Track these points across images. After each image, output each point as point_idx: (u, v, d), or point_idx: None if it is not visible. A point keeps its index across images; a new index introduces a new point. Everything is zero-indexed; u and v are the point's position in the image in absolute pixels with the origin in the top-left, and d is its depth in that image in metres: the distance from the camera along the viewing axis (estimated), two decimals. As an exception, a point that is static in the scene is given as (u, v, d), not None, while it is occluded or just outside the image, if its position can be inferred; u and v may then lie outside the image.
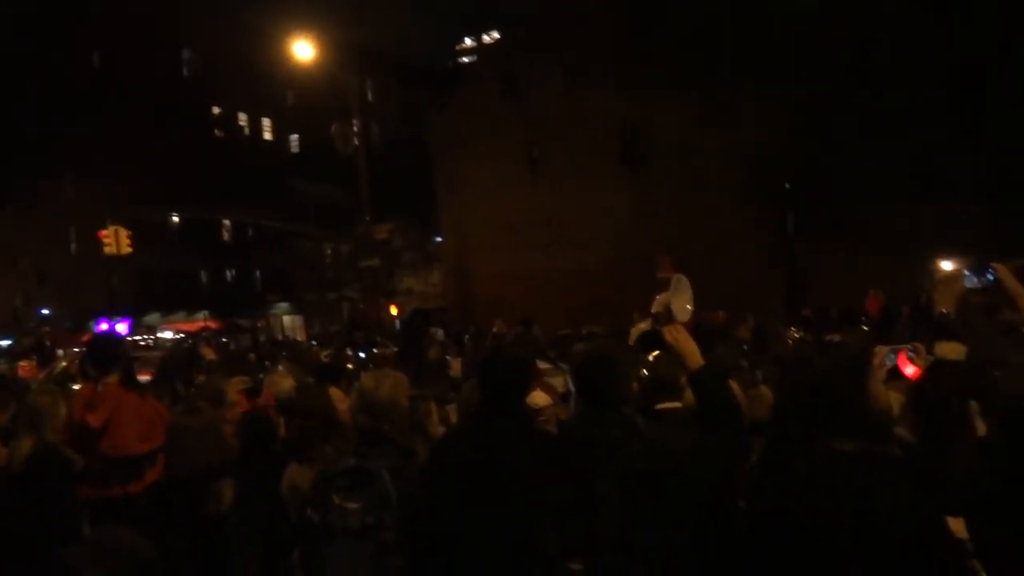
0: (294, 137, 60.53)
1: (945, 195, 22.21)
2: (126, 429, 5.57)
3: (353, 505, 3.83)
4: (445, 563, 3.80)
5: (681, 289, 7.35)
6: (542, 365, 6.81)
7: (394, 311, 35.88)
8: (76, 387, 10.19)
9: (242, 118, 58.15)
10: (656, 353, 4.52)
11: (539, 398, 5.11)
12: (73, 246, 51.80)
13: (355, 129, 32.03)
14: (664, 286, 8.64)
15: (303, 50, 31.17)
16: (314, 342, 32.73)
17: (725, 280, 19.00)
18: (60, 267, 51.25)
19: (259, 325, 51.19)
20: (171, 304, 49.65)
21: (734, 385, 4.14)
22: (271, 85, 53.95)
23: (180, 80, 53.13)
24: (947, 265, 24.62)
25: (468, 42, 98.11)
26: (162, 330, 46.38)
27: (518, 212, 30.48)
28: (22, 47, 48.20)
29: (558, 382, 7.11)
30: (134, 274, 47.21)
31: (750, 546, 3.14)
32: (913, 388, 4.53)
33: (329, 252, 51.46)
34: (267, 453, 5.30)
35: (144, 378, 8.86)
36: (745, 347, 10.22)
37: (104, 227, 30.32)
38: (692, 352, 3.85)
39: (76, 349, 36.08)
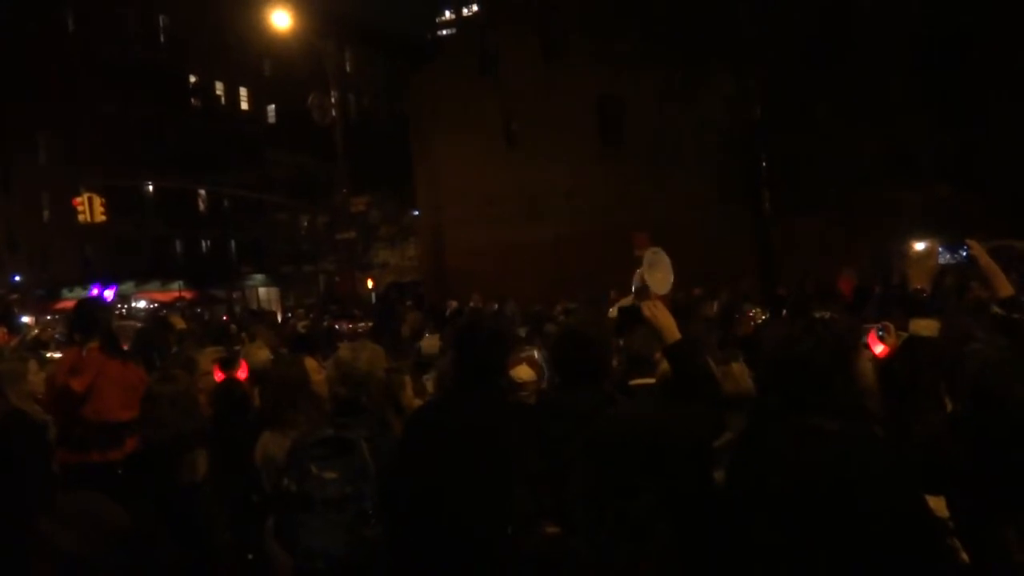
0: (271, 107, 60.04)
1: (918, 176, 22.36)
2: (108, 395, 5.57)
3: (331, 474, 3.85)
4: (423, 529, 3.83)
5: (656, 263, 7.34)
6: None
7: (370, 284, 35.80)
8: (49, 354, 10.16)
9: (219, 87, 57.60)
10: (632, 329, 4.54)
11: (523, 372, 5.14)
12: (46, 213, 51.37)
13: (333, 100, 31.84)
14: (642, 262, 8.65)
15: (281, 19, 30.88)
16: (290, 315, 32.72)
17: (700, 257, 19.06)
18: (32, 234, 50.87)
19: (234, 296, 51.02)
20: (145, 274, 49.33)
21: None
22: (249, 54, 53.45)
23: (157, 47, 52.54)
24: (920, 244, 24.82)
25: (448, 15, 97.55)
26: (136, 299, 46.10)
27: (495, 186, 30.45)
28: (-6, 11, 47.59)
29: (533, 352, 7.12)
30: (108, 243, 46.90)
31: (726, 518, 3.19)
32: (882, 366, 4.59)
33: (305, 224, 51.27)
34: (241, 423, 5.31)
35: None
36: (710, 324, 10.26)
37: (78, 194, 29.99)
38: (670, 327, 3.88)
39: (48, 317, 35.96)
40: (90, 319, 5.88)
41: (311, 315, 21.08)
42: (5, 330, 16.30)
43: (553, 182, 28.82)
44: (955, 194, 21.61)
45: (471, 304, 20.15)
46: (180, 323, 8.42)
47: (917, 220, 23.40)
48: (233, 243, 56.50)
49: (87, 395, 5.55)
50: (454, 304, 19.07)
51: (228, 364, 5.84)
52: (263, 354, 6.36)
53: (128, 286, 47.84)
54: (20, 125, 49.03)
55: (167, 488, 4.20)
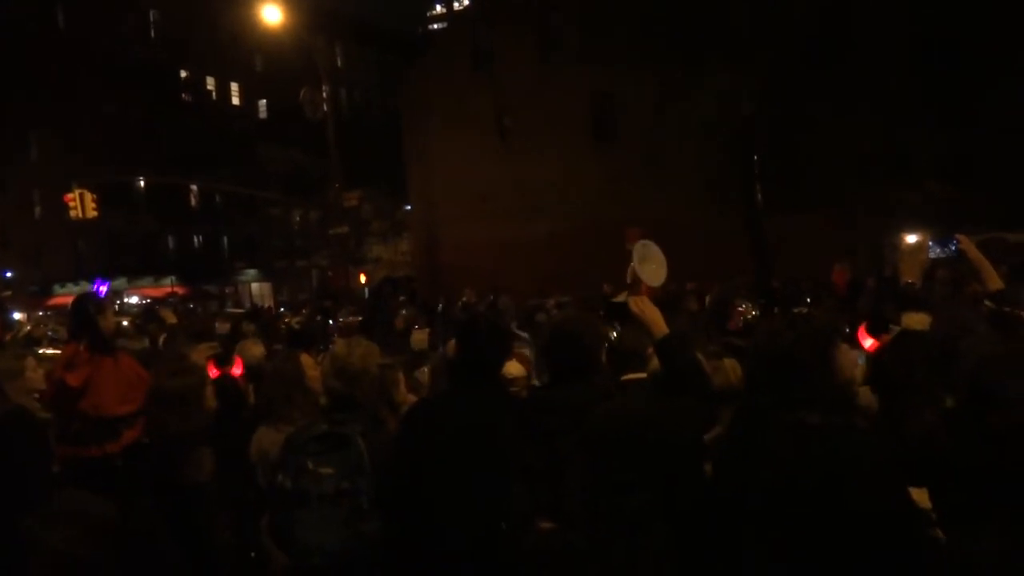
0: (262, 102, 59.92)
1: (913, 173, 22.42)
2: (105, 390, 5.58)
3: (327, 470, 3.85)
4: (420, 524, 3.85)
5: (647, 255, 7.33)
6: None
7: (363, 279, 35.76)
8: (42, 351, 10.14)
9: (210, 82, 57.47)
10: (624, 325, 4.57)
11: (513, 368, 5.16)
12: (37, 209, 51.24)
13: (324, 95, 31.78)
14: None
15: (272, 14, 30.80)
16: (282, 309, 32.67)
17: (694, 253, 19.06)
18: (25, 230, 50.74)
19: (227, 292, 50.95)
20: (138, 269, 49.25)
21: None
22: (240, 49, 53.33)
23: (148, 43, 52.39)
24: (912, 238, 24.90)
25: (439, 8, 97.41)
26: (129, 295, 46.02)
27: (488, 181, 30.43)
28: (-15, 6, 47.38)
29: (525, 350, 7.15)
30: (100, 239, 46.81)
31: (716, 513, 3.21)
32: (873, 361, 4.61)
33: (298, 219, 51.18)
34: (237, 420, 5.31)
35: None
36: (694, 318, 10.27)
37: (70, 190, 29.92)
38: (657, 321, 3.90)
39: (40, 313, 35.87)
40: (81, 316, 5.91)
41: (304, 310, 21.09)
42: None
43: (546, 177, 28.80)
44: (950, 191, 21.67)
45: (464, 299, 20.16)
46: (171, 317, 8.42)
47: (912, 217, 23.51)
48: (225, 239, 56.41)
49: (84, 390, 5.56)
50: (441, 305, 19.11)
51: (223, 360, 5.85)
52: (257, 350, 6.37)
53: (120, 282, 47.75)
54: (12, 122, 48.85)
55: (172, 486, 4.20)
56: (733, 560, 3.08)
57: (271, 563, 4.26)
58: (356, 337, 5.09)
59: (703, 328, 7.77)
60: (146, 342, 9.41)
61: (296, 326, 8.05)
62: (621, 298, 7.03)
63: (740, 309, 8.65)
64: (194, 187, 48.76)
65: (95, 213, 29.76)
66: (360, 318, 17.54)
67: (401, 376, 5.16)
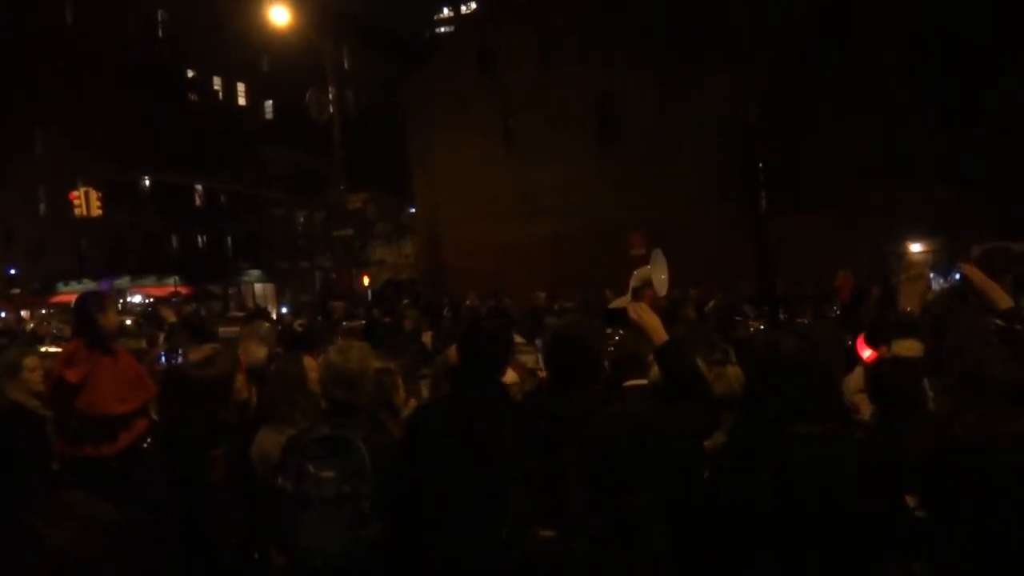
0: (268, 103, 59.94)
1: (915, 177, 22.42)
2: (103, 388, 5.55)
3: (328, 474, 3.85)
4: (420, 529, 3.85)
5: (660, 262, 7.36)
6: (516, 339, 6.85)
7: (366, 281, 35.77)
8: (44, 349, 10.13)
9: (216, 82, 57.49)
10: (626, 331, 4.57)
11: (507, 375, 5.15)
12: (42, 206, 51.32)
13: (331, 97, 31.79)
14: (637, 262, 8.67)
15: (279, 14, 30.81)
16: (284, 309, 32.64)
17: (697, 257, 19.08)
18: (29, 228, 50.78)
19: (230, 292, 50.94)
20: (141, 268, 49.27)
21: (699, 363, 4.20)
22: (246, 49, 53.36)
23: (154, 41, 52.45)
24: (917, 247, 24.90)
25: (446, 12, 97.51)
26: (132, 294, 46.04)
27: (492, 183, 30.46)
28: (-8, 3, 47.46)
29: (530, 359, 7.15)
30: (104, 237, 46.85)
31: (715, 520, 3.21)
32: (870, 373, 4.63)
33: (302, 220, 51.18)
34: (240, 422, 5.31)
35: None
36: (693, 326, 10.24)
37: (75, 188, 29.99)
38: (656, 328, 3.91)
39: (43, 311, 35.91)
40: (82, 314, 5.89)
41: (306, 313, 21.05)
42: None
43: (551, 180, 28.85)
44: (952, 194, 21.66)
45: (467, 303, 20.15)
46: (171, 316, 8.38)
47: (915, 220, 23.52)
48: (229, 239, 56.41)
49: (82, 387, 5.54)
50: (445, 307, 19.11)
51: None
52: (260, 351, 6.36)
53: (124, 281, 47.79)
54: (18, 118, 48.92)
55: (185, 485, 4.20)
56: (732, 568, 3.08)
57: (273, 565, 4.26)
58: (349, 340, 5.08)
59: (704, 336, 7.77)
60: (143, 343, 9.38)
61: (299, 328, 8.03)
62: (619, 303, 7.04)
63: (750, 321, 8.68)
64: (199, 187, 48.84)
65: (100, 211, 29.85)
66: (363, 321, 17.51)
67: (400, 380, 5.16)
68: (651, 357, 4.22)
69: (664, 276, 7.40)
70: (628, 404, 4.15)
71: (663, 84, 24.25)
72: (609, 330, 4.65)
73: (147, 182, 45.66)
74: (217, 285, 50.22)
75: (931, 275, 5.85)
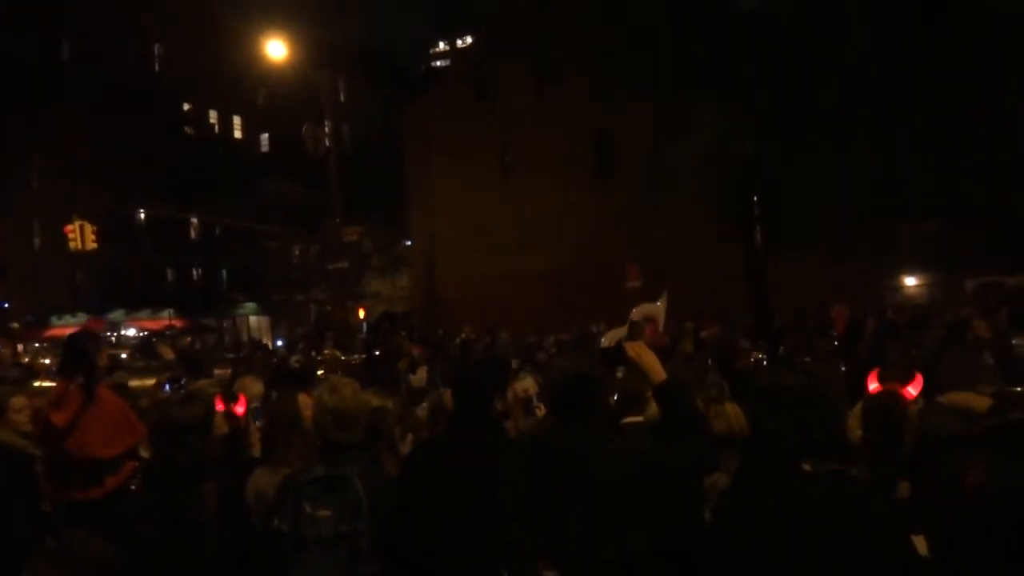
0: (264, 136, 60.18)
1: (908, 211, 22.50)
2: (90, 431, 5.50)
3: (325, 513, 3.82)
4: (420, 568, 3.82)
5: (664, 304, 7.45)
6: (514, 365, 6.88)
7: (361, 314, 35.74)
8: (37, 383, 10.07)
9: (213, 115, 57.74)
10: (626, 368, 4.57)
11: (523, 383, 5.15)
12: (37, 240, 51.26)
13: (326, 130, 31.87)
14: (634, 295, 8.70)
15: (276, 49, 30.95)
16: (279, 342, 32.55)
17: (693, 290, 19.11)
18: (23, 260, 50.67)
19: (225, 325, 50.85)
20: (136, 301, 49.17)
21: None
22: (243, 83, 53.64)
23: (151, 75, 52.69)
24: (911, 280, 24.94)
25: (442, 46, 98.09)
26: (126, 327, 45.91)
27: (489, 216, 30.55)
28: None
29: (528, 383, 7.11)
30: (99, 270, 46.79)
31: (716, 558, 3.19)
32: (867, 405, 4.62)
33: (297, 253, 51.23)
34: (237, 458, 5.28)
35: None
36: (690, 361, 10.22)
37: (70, 222, 29.96)
38: (654, 367, 3.91)
39: (37, 344, 35.77)
40: (80, 354, 5.82)
41: (301, 347, 21.01)
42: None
43: (547, 213, 28.93)
44: (946, 228, 21.73)
45: (463, 336, 20.12)
46: (168, 353, 8.35)
47: (909, 254, 23.57)
48: (225, 271, 56.40)
49: (68, 430, 5.48)
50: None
51: (229, 397, 5.82)
52: (256, 388, 6.33)
53: (118, 314, 47.68)
54: (13, 151, 48.98)
55: (174, 523, 4.16)
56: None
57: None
58: (337, 377, 5.06)
59: (701, 371, 7.77)
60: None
61: (295, 364, 7.99)
62: (613, 335, 7.07)
63: (750, 355, 8.67)
64: (194, 220, 48.86)
65: (95, 245, 29.79)
66: (363, 356, 17.47)
67: (395, 418, 5.14)
68: (649, 394, 4.22)
69: (663, 317, 7.45)
70: (627, 441, 4.14)
71: (659, 118, 24.37)
72: (609, 370, 4.67)
73: (142, 215, 45.63)
74: (212, 318, 50.12)
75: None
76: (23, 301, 49.49)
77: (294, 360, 9.29)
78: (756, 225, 24.22)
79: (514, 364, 9.85)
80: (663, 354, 4.08)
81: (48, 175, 50.03)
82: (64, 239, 30.58)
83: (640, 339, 7.26)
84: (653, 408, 4.34)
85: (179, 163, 49.12)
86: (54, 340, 37.13)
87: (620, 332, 7.04)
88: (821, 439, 2.99)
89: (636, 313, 7.14)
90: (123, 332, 44.31)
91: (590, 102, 27.50)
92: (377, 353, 16.30)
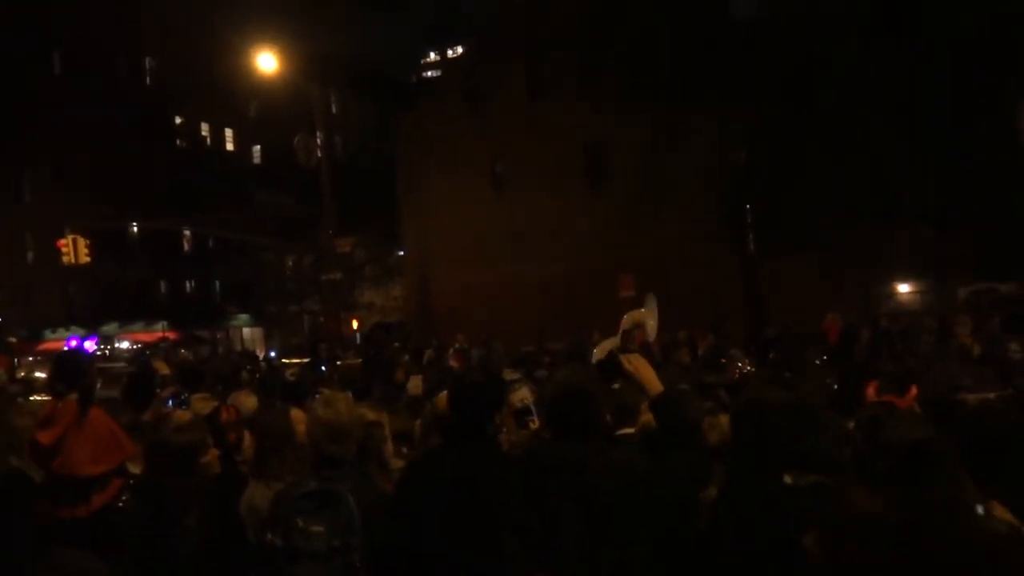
0: (256, 148, 60.21)
1: (901, 217, 22.56)
2: (77, 450, 5.48)
3: (318, 528, 3.82)
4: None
5: (651, 307, 7.40)
6: (510, 375, 6.86)
7: (355, 325, 35.74)
8: (33, 397, 10.06)
9: (204, 128, 57.78)
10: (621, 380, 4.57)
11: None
12: (30, 254, 51.18)
13: (318, 141, 31.90)
14: (627, 304, 8.70)
15: (267, 61, 31.00)
16: (272, 354, 32.49)
17: (685, 299, 19.13)
18: (16, 274, 50.55)
19: (218, 337, 50.77)
20: (129, 314, 49.10)
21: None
22: (234, 95, 53.64)
23: (143, 88, 52.72)
24: (904, 288, 25.02)
25: (432, 56, 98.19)
26: (120, 340, 45.84)
27: (481, 226, 30.56)
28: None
29: (523, 393, 7.09)
30: (92, 283, 46.73)
31: (710, 570, 3.20)
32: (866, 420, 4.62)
33: (290, 264, 51.18)
34: (231, 472, 5.27)
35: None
36: (686, 371, 10.21)
37: (62, 235, 29.94)
38: (651, 379, 3.92)
39: (31, 358, 35.71)
40: (70, 371, 5.79)
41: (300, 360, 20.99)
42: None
43: (539, 222, 28.94)
44: (939, 236, 21.79)
45: (456, 346, 20.09)
46: (164, 368, 8.34)
47: (901, 262, 23.64)
48: (218, 283, 56.36)
49: (55, 449, 5.47)
50: (430, 353, 19.04)
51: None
52: (250, 402, 6.32)
53: (112, 327, 47.60)
54: (5, 166, 48.93)
55: (162, 547, 4.16)
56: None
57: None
58: (331, 392, 5.07)
59: (696, 381, 7.76)
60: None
61: (291, 378, 7.99)
62: (607, 345, 7.06)
63: (738, 365, 8.67)
64: (187, 232, 48.84)
65: (88, 259, 29.76)
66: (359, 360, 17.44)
67: (388, 433, 5.14)
68: (642, 406, 4.23)
69: (653, 321, 7.42)
70: (623, 453, 4.15)
71: (652, 127, 24.43)
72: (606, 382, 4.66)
73: (135, 228, 45.60)
74: (206, 330, 50.05)
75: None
76: (16, 315, 49.37)
77: (290, 373, 9.27)
78: (750, 233, 24.29)
79: (508, 375, 9.81)
80: (652, 359, 4.08)
81: (40, 189, 50.03)
82: (57, 253, 30.56)
83: (632, 346, 7.24)
84: (644, 419, 4.36)
85: (171, 176, 49.12)
86: (48, 354, 37.06)
87: (611, 343, 7.00)
88: (803, 452, 3.01)
89: (626, 321, 7.10)
90: (117, 345, 44.24)
91: (582, 112, 27.53)
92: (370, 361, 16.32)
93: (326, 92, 46.45)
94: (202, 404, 6.16)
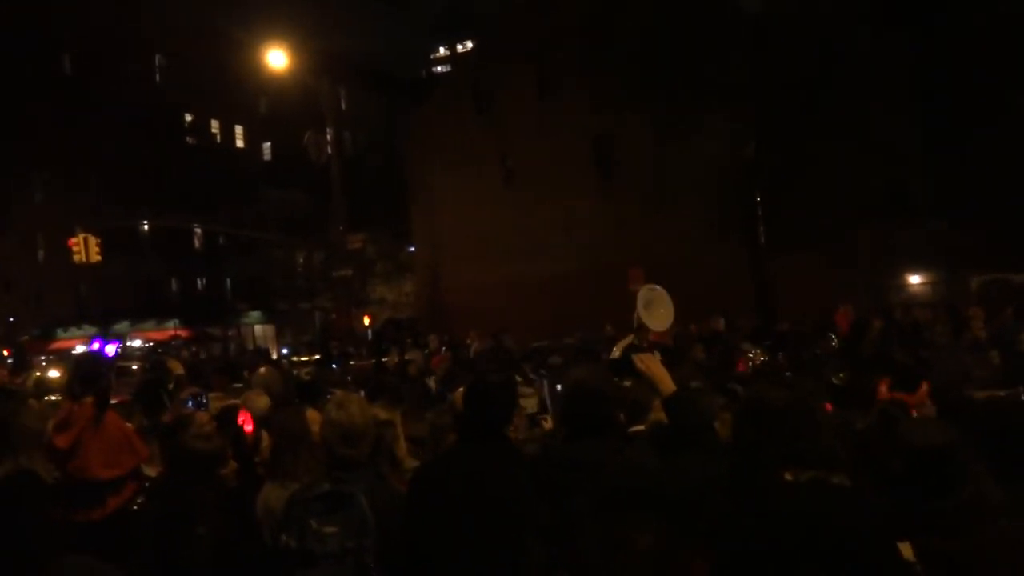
0: (267, 145, 60.28)
1: (913, 211, 22.49)
2: (92, 453, 5.50)
3: (331, 529, 3.83)
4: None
5: (652, 300, 7.34)
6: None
7: (366, 321, 35.77)
8: (47, 398, 10.08)
9: (215, 125, 57.87)
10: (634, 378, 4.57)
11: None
12: (41, 253, 51.36)
13: (328, 138, 31.94)
14: (635, 299, 8.67)
15: (277, 58, 31.06)
16: (284, 350, 32.54)
17: (697, 293, 19.07)
18: (27, 274, 50.77)
19: (230, 334, 50.88)
20: (141, 312, 49.24)
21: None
22: (244, 92, 53.75)
23: (153, 86, 52.82)
24: (915, 279, 24.94)
25: (442, 51, 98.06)
26: (132, 339, 45.99)
27: (491, 222, 30.52)
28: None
29: (530, 402, 7.11)
30: (103, 282, 46.83)
31: (722, 568, 3.21)
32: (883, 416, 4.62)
33: (301, 261, 51.27)
34: (246, 473, 5.29)
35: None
36: (700, 368, 10.18)
37: (73, 235, 30.06)
38: (663, 378, 3.93)
39: (43, 358, 35.88)
40: (91, 374, 5.81)
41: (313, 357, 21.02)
42: (6, 372, 16.25)
43: (549, 218, 28.90)
44: (949, 228, 21.70)
45: (468, 342, 20.12)
46: (178, 368, 8.32)
47: (912, 254, 23.56)
48: (229, 281, 56.46)
49: (71, 452, 5.48)
50: (434, 339, 19.06)
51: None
52: (262, 401, 6.32)
53: (123, 325, 47.75)
54: (16, 163, 49.09)
55: (177, 554, 4.18)
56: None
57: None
58: (343, 393, 5.07)
59: (710, 379, 7.75)
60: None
61: (306, 377, 7.96)
62: (620, 347, 7.04)
63: (750, 356, 8.66)
64: (197, 229, 48.95)
65: (99, 258, 29.87)
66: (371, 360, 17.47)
67: (400, 432, 5.14)
68: (654, 403, 4.23)
69: (663, 311, 7.37)
70: (638, 451, 4.16)
71: (661, 122, 24.35)
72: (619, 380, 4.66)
73: (146, 226, 45.74)
74: (217, 327, 50.18)
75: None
76: (28, 314, 49.58)
77: (305, 373, 9.25)
78: (759, 227, 24.22)
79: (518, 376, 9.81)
80: (668, 356, 4.08)
81: (51, 188, 50.20)
82: (68, 252, 30.69)
83: (646, 339, 7.22)
84: (654, 416, 4.37)
85: (182, 173, 49.20)
86: (59, 352, 37.24)
87: (627, 341, 6.99)
88: (803, 449, 3.01)
89: (636, 319, 7.09)
90: (128, 343, 44.40)
91: (592, 107, 27.47)
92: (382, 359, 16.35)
93: (336, 89, 46.56)
94: (219, 405, 6.18)
